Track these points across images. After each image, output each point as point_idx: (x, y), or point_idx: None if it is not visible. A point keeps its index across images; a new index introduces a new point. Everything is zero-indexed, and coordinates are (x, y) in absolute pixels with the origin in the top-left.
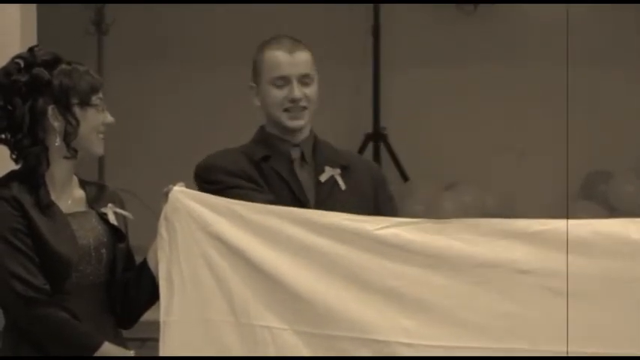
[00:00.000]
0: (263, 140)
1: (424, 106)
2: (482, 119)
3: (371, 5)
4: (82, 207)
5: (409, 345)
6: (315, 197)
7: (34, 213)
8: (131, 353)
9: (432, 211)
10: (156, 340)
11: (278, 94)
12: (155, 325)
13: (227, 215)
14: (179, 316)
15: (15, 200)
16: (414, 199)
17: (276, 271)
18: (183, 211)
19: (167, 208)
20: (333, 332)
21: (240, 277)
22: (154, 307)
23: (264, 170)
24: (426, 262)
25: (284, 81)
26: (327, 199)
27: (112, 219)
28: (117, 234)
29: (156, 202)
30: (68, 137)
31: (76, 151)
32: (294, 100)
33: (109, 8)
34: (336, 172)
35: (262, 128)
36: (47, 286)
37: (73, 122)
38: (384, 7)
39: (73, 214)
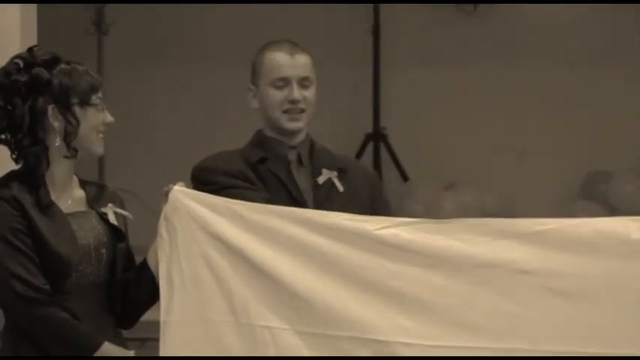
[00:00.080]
0: (260, 143)
1: (424, 106)
2: (482, 119)
3: (371, 5)
4: (82, 207)
5: (409, 345)
6: (313, 199)
7: (34, 213)
8: (131, 353)
9: (431, 211)
10: (156, 340)
11: (278, 95)
12: (155, 325)
13: (227, 215)
14: (179, 316)
15: (15, 200)
16: (414, 199)
17: (276, 271)
18: (183, 210)
19: (167, 208)
20: (333, 332)
21: (241, 277)
22: (154, 307)
23: (261, 172)
24: (425, 262)
25: (284, 82)
26: (325, 201)
27: (112, 219)
28: (117, 234)
29: (156, 202)
30: (68, 137)
31: (76, 150)
32: (293, 102)
33: (109, 8)
34: (333, 175)
35: (259, 131)
36: (47, 286)
37: (73, 122)
38: (384, 7)
39: (73, 214)
